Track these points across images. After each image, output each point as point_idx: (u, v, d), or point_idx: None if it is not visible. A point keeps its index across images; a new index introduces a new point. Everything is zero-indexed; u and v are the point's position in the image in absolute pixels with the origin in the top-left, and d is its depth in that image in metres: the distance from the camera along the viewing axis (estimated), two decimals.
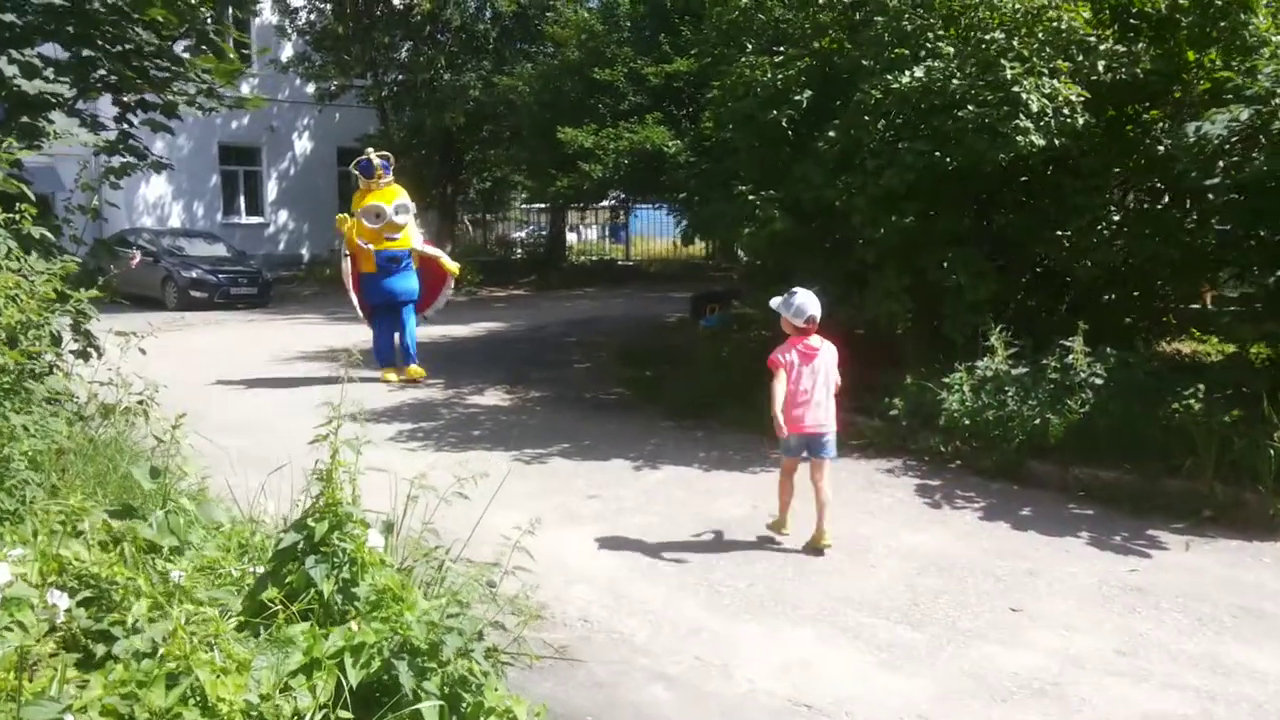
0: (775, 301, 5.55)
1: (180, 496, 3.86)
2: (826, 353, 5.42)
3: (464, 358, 12.59)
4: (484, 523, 4.40)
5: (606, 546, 5.47)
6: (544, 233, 30.20)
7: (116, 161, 7.47)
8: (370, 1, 22.51)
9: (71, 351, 5.90)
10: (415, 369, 10.58)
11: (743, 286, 12.51)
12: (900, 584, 4.87)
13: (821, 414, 5.35)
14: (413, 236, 10.49)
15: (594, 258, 30.99)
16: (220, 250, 21.21)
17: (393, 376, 10.45)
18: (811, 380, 5.34)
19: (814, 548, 5.33)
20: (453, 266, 10.94)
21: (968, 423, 6.86)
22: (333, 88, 23.82)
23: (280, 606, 2.92)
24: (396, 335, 10.70)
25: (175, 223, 24.47)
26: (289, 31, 23.45)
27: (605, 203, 26.39)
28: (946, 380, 7.12)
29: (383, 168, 10.24)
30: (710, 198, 9.51)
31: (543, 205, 28.05)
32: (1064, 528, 5.70)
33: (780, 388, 5.29)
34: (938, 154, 7.26)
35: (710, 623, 4.43)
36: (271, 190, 26.87)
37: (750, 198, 8.19)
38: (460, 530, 4.36)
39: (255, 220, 26.65)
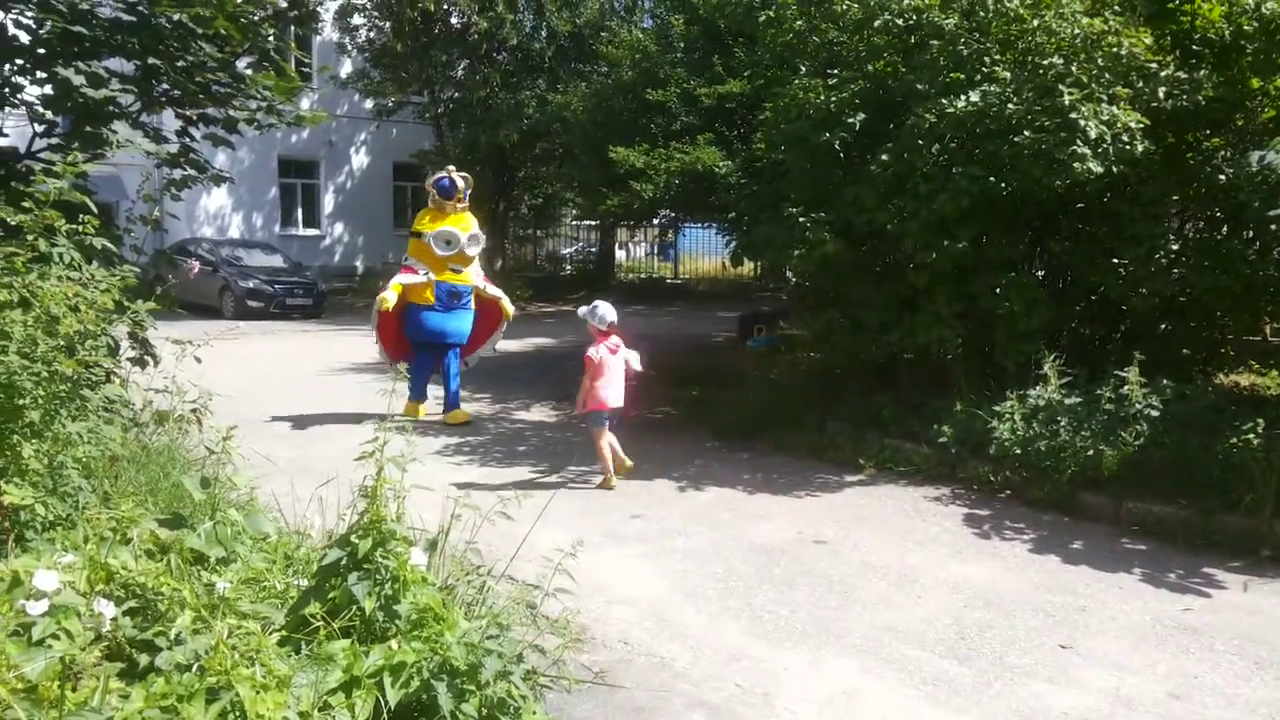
0: (582, 310, 7.34)
1: (229, 507, 3.91)
2: (623, 349, 7.23)
3: (512, 373, 12.65)
4: (527, 541, 4.41)
5: (649, 568, 5.44)
6: (593, 250, 30.32)
7: (178, 174, 7.63)
8: (428, 20, 22.87)
9: (129, 359, 6.01)
10: (460, 413, 9.46)
11: (791, 308, 12.43)
12: (947, 616, 4.78)
13: (618, 394, 7.18)
14: (474, 273, 9.50)
15: (642, 275, 31.05)
16: (277, 261, 21.64)
17: (423, 412, 9.44)
18: (615, 370, 7.15)
19: (606, 486, 7.11)
20: (510, 309, 9.72)
21: (1018, 452, 6.74)
22: (390, 104, 24.26)
23: (322, 622, 2.94)
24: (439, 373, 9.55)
25: (234, 233, 25.03)
26: (349, 48, 23.93)
27: (655, 221, 26.45)
28: (997, 408, 7.01)
29: (463, 191, 9.34)
30: (760, 219, 9.44)
31: (593, 222, 28.18)
32: (1116, 563, 5.57)
33: (590, 378, 7.10)
34: (992, 180, 7.19)
35: (752, 649, 4.37)
36: (328, 203, 27.38)
37: (801, 220, 8.14)
38: (503, 547, 4.38)
39: (312, 232, 27.17)
